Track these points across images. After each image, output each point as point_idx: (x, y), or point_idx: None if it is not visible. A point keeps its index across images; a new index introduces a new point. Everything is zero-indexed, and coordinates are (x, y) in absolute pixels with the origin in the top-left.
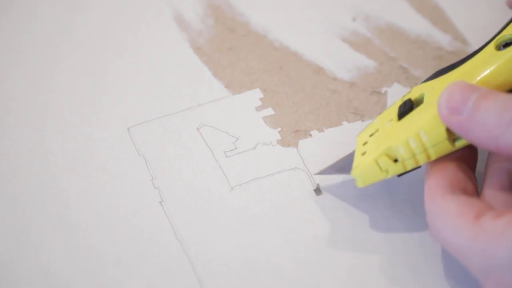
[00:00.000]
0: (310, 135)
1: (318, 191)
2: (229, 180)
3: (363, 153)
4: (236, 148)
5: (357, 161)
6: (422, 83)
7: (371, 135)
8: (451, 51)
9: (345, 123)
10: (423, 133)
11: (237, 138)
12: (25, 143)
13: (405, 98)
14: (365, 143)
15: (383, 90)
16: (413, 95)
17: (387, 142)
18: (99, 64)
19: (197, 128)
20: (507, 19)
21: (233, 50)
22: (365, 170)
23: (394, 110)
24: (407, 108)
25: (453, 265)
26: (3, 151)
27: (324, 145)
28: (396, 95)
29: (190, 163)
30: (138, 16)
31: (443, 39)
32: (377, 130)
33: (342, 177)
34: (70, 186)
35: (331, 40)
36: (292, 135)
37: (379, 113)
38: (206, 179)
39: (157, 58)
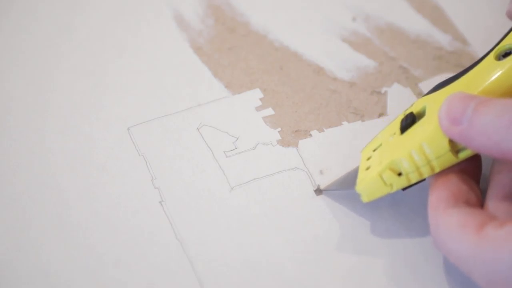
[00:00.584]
0: (310, 135)
1: (318, 191)
2: (229, 180)
3: (367, 168)
4: (236, 148)
5: (362, 176)
6: (423, 96)
7: (374, 150)
8: (451, 51)
9: (345, 123)
10: (426, 145)
11: (237, 138)
12: (25, 143)
13: (407, 112)
14: (369, 158)
15: (383, 90)
16: (415, 109)
17: (390, 156)
18: (99, 64)
19: (197, 128)
20: (506, 20)
21: (233, 50)
22: (369, 185)
23: (396, 124)
24: (409, 121)
25: (453, 266)
26: (3, 151)
27: (324, 145)
28: (396, 95)
29: (190, 163)
30: (138, 16)
31: (443, 39)
32: (380, 145)
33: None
34: (70, 186)
35: (331, 40)
36: (292, 135)
37: (378, 114)
38: (206, 179)
39: (157, 58)
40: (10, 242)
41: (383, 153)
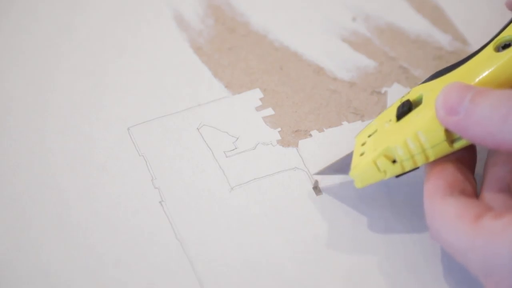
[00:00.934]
0: (310, 135)
1: (317, 190)
2: (229, 180)
3: (362, 154)
4: (236, 148)
5: (356, 161)
6: (421, 84)
7: (369, 136)
8: (451, 51)
9: (345, 123)
10: (422, 134)
11: (237, 138)
12: (25, 143)
13: (404, 99)
14: (363, 144)
15: (383, 90)
16: (412, 96)
17: (385, 142)
18: (99, 64)
19: (197, 128)
20: (506, 20)
21: (233, 50)
22: (363, 171)
23: (392, 111)
24: (405, 109)
25: (453, 265)
26: (3, 151)
27: (324, 145)
28: (396, 95)
29: (190, 163)
30: (138, 16)
31: (443, 39)
32: (375, 131)
33: (342, 178)
34: (70, 186)
35: (331, 40)
36: (292, 135)
37: (379, 113)
38: (206, 179)
39: (157, 58)
40: (10, 242)
41: (378, 140)
